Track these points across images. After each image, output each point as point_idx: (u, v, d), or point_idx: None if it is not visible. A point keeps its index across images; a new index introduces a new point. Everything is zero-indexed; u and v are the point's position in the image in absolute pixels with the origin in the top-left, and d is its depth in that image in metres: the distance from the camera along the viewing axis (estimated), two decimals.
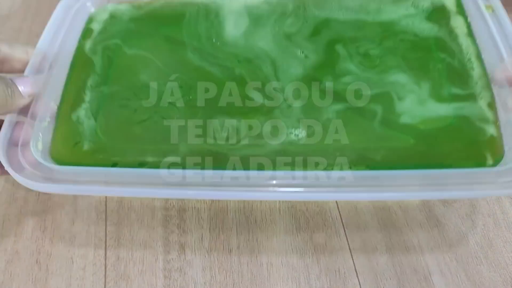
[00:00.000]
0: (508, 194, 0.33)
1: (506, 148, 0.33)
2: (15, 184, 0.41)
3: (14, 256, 0.37)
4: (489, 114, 0.34)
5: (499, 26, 0.37)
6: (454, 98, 0.35)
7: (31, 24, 0.52)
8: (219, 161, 0.33)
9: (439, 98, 0.35)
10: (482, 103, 0.34)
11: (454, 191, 0.30)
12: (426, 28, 0.39)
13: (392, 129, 0.34)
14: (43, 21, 0.52)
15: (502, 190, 0.31)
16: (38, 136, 0.34)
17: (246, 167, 0.32)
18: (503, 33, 0.36)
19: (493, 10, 0.38)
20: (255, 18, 0.41)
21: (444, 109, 0.35)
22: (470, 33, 0.36)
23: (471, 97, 0.35)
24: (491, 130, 0.33)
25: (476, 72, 0.36)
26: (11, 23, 0.52)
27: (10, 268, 0.37)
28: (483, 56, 0.36)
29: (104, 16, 0.42)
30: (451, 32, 0.37)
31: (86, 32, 0.41)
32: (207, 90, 0.37)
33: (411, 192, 0.31)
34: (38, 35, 0.50)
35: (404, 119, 0.34)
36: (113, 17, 0.42)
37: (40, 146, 0.34)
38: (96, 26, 0.41)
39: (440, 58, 0.37)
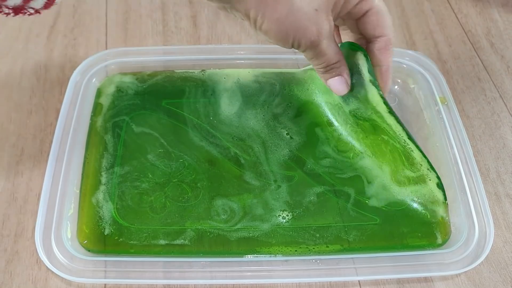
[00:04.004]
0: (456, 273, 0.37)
1: (452, 228, 0.39)
2: (15, 184, 0.41)
3: (14, 256, 0.37)
4: (439, 195, 0.39)
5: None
6: (409, 180, 0.39)
7: (31, 24, 0.52)
8: (220, 243, 0.37)
9: (398, 182, 0.40)
10: (432, 184, 0.39)
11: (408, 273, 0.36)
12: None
13: (362, 210, 0.39)
14: (43, 21, 0.52)
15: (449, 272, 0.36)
16: (67, 224, 0.38)
17: (242, 249, 0.37)
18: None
19: (446, 102, 0.45)
20: (247, 96, 0.46)
21: (402, 193, 0.40)
22: (392, 112, 0.37)
23: (422, 179, 0.39)
24: (440, 211, 0.39)
25: (415, 153, 0.38)
26: (11, 23, 0.52)
27: (10, 268, 0.37)
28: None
29: (111, 89, 0.46)
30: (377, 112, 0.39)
31: (96, 108, 0.44)
32: (207, 171, 0.41)
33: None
34: (38, 35, 0.51)
35: (372, 202, 0.40)
36: (119, 90, 0.46)
37: (69, 233, 0.37)
38: (104, 101, 0.45)
39: (384, 140, 0.39)
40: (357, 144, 0.42)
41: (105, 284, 0.36)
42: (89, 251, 0.37)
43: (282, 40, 0.32)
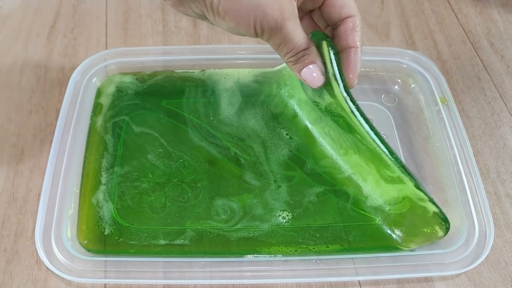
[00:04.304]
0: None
1: (453, 228, 0.37)
2: (15, 184, 0.41)
3: (14, 256, 0.37)
4: (421, 194, 0.36)
5: None
6: (393, 180, 0.37)
7: (31, 24, 0.52)
8: (220, 243, 0.38)
9: (385, 180, 0.38)
10: (411, 185, 0.36)
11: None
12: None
13: (362, 209, 0.39)
14: (43, 21, 0.52)
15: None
16: (67, 224, 0.38)
17: (242, 249, 0.37)
18: None
19: (446, 102, 0.44)
20: (247, 96, 0.45)
21: (392, 190, 0.38)
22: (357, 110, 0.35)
23: (401, 181, 0.37)
24: (430, 207, 0.36)
25: (386, 158, 0.36)
26: (11, 23, 0.52)
27: (10, 268, 0.37)
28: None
29: (111, 89, 0.46)
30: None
31: (96, 108, 0.44)
32: (207, 171, 0.41)
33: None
34: (38, 35, 0.51)
35: (370, 201, 0.40)
36: (119, 90, 0.46)
37: (69, 234, 0.37)
38: (104, 101, 0.45)
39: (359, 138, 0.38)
40: (341, 141, 0.41)
41: (105, 284, 0.36)
42: (89, 251, 0.37)
43: (242, 22, 0.30)
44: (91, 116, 0.44)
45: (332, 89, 0.34)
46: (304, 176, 0.41)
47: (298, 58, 0.33)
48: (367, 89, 0.48)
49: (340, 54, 0.34)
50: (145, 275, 0.36)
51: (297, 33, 0.31)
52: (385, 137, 0.44)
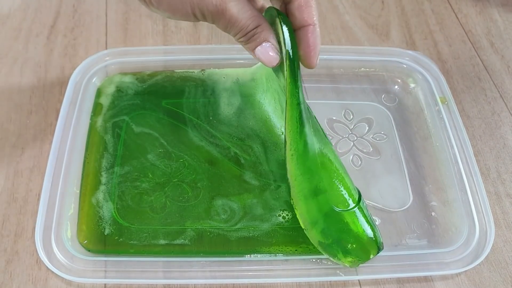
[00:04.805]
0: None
1: (453, 228, 0.39)
2: (15, 184, 0.41)
3: (14, 256, 0.37)
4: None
5: None
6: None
7: (31, 24, 0.52)
8: (220, 243, 0.37)
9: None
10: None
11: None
12: None
13: None
14: (43, 21, 0.52)
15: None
16: (67, 224, 0.38)
17: (242, 249, 0.37)
18: None
19: (446, 102, 0.44)
20: (246, 96, 0.45)
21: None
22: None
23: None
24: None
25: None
26: (11, 23, 0.52)
27: (10, 268, 0.37)
28: None
29: (111, 89, 0.46)
30: None
31: (96, 108, 0.44)
32: (207, 171, 0.41)
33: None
34: (38, 35, 0.51)
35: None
36: (119, 90, 0.46)
37: (69, 234, 0.37)
38: (104, 101, 0.45)
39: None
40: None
41: (105, 284, 0.36)
42: (89, 251, 0.37)
43: (178, 11, 0.29)
44: (91, 116, 0.44)
45: (283, 71, 0.32)
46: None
47: (248, 38, 0.31)
48: (367, 89, 0.48)
49: (297, 33, 0.32)
50: (145, 275, 0.36)
51: (243, 13, 0.29)
52: (385, 137, 0.44)
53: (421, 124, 0.45)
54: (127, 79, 0.46)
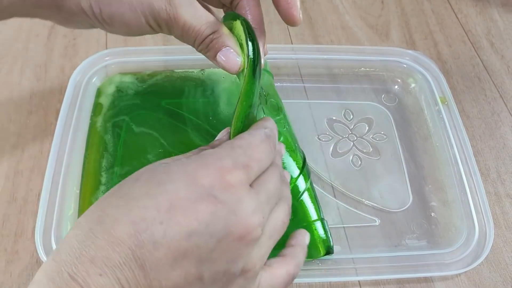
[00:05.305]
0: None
1: (453, 228, 0.39)
2: (15, 184, 0.41)
3: (14, 256, 0.37)
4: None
5: None
6: None
7: (31, 24, 0.52)
8: None
9: None
10: None
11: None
12: None
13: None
14: (43, 21, 0.52)
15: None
16: (67, 225, 0.37)
17: None
18: None
19: (446, 102, 0.44)
20: None
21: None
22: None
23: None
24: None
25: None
26: (11, 23, 0.52)
27: (10, 268, 0.37)
28: None
29: (111, 89, 0.46)
30: None
31: (96, 108, 0.44)
32: None
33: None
34: (38, 35, 0.51)
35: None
36: (119, 90, 0.45)
37: None
38: (104, 101, 0.45)
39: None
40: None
41: None
42: None
43: (132, 24, 0.28)
44: (91, 116, 0.44)
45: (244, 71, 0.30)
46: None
47: (206, 45, 0.29)
48: (367, 89, 0.48)
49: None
50: None
51: (197, 19, 0.28)
52: (385, 137, 0.44)
53: (421, 124, 0.45)
54: (127, 79, 0.46)
